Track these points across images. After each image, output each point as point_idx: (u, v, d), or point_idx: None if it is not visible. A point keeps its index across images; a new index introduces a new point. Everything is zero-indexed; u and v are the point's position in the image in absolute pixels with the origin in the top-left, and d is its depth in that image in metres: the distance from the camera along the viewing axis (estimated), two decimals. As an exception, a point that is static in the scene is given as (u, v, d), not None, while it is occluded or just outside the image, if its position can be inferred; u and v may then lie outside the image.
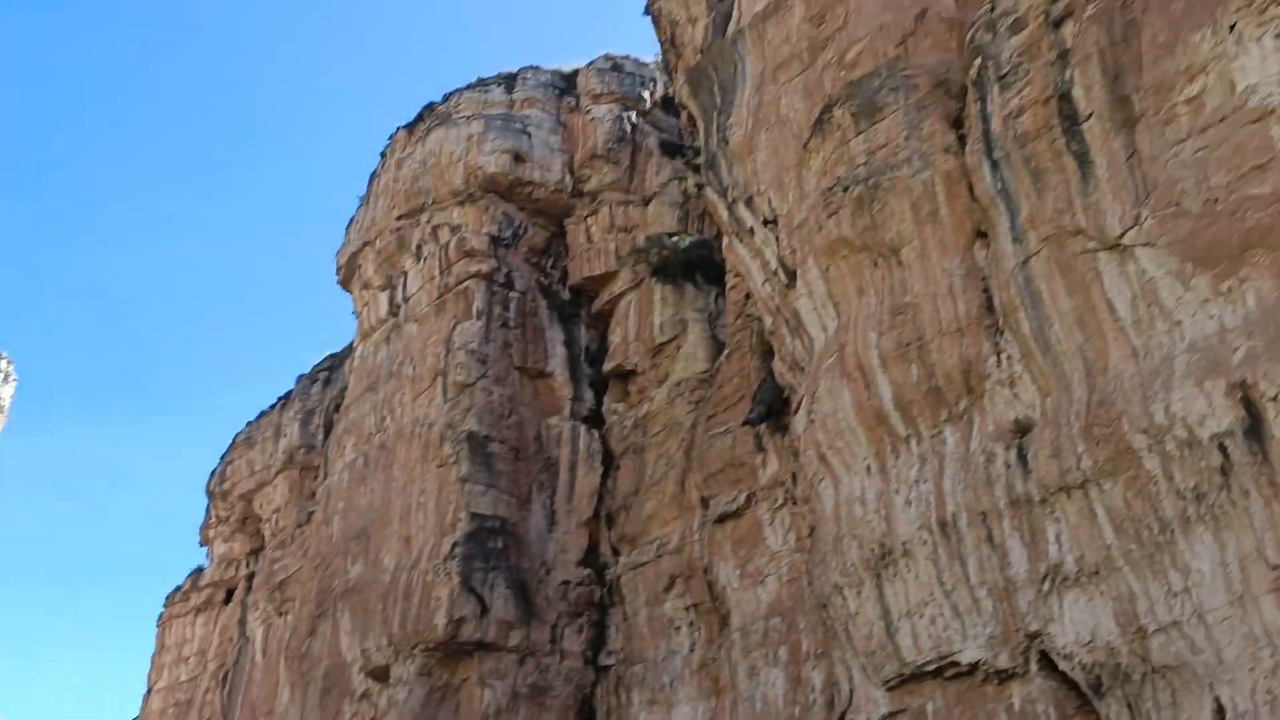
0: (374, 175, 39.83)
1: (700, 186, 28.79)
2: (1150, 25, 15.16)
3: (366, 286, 37.61)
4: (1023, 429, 16.40)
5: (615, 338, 32.48)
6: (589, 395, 32.54)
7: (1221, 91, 14.22)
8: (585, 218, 34.26)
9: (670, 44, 27.28)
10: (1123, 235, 15.04)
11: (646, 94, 36.62)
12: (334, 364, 45.13)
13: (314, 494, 39.64)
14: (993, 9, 17.79)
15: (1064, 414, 15.74)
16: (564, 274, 34.39)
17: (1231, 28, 14.14)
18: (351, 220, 40.50)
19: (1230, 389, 13.60)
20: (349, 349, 40.66)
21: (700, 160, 26.11)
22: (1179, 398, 14.12)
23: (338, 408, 39.71)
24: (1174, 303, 14.61)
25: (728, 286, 28.27)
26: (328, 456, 38.11)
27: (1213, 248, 14.10)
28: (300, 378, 47.14)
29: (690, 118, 27.06)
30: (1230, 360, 13.72)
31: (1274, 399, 13.15)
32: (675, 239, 32.39)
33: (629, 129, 35.07)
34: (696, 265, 31.14)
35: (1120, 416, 14.79)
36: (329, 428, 40.73)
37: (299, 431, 43.73)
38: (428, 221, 35.00)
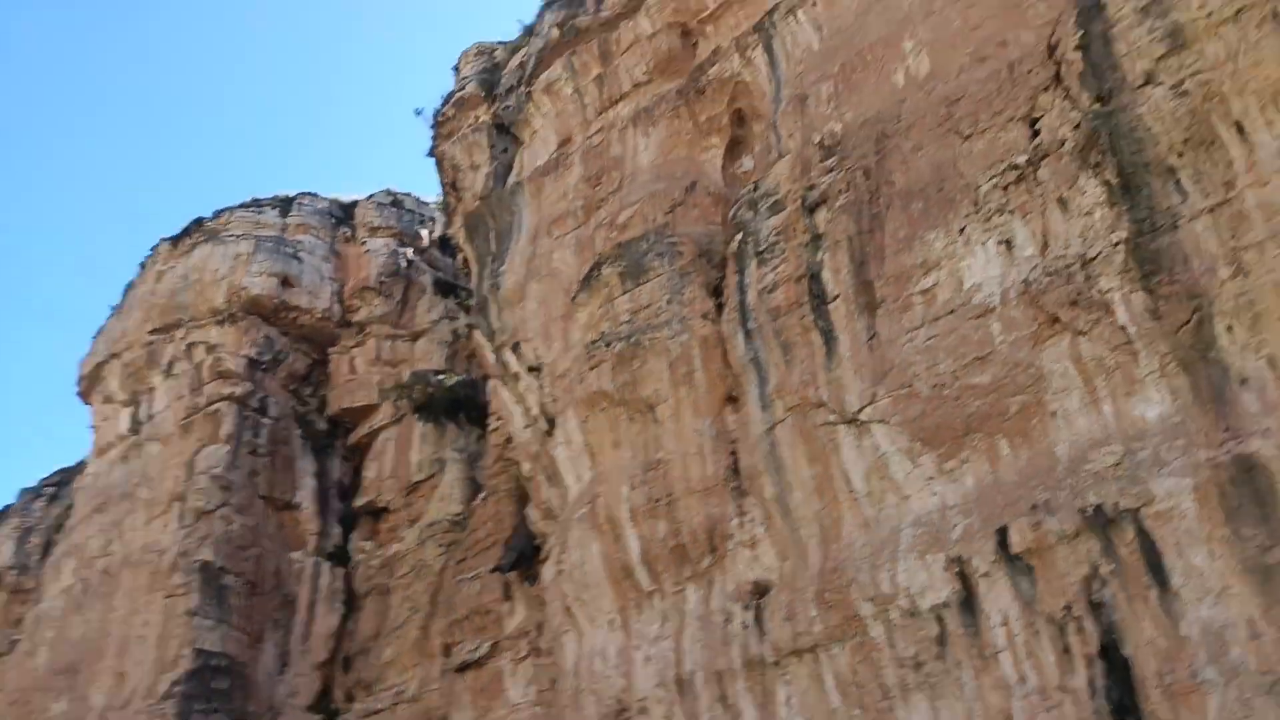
0: (130, 286, 38.00)
1: (470, 327, 28.90)
2: (893, 220, 16.50)
3: (108, 400, 35.46)
4: (761, 591, 16.87)
5: (370, 473, 31.67)
6: (337, 531, 31.38)
7: (951, 287, 15.53)
8: (351, 348, 33.65)
9: (452, 187, 27.63)
10: (860, 411, 15.99)
11: (425, 232, 36.75)
12: (63, 479, 41.93)
13: (21, 620, 36.26)
14: (755, 189, 18.99)
15: (800, 578, 16.31)
16: (323, 403, 33.43)
17: (961, 231, 15.57)
18: (100, 330, 38.37)
19: (949, 563, 14.48)
20: (81, 465, 38.01)
21: (472, 302, 26.31)
22: (904, 569, 14.91)
23: (60, 527, 36.81)
24: (903, 478, 15.53)
25: (489, 429, 28.16)
26: (42, 580, 35.04)
27: (939, 429, 15.17)
28: (23, 491, 43.55)
29: (466, 260, 27.35)
30: (949, 536, 14.64)
31: (985, 575, 14.08)
32: (441, 377, 32.18)
33: (404, 264, 34.97)
34: (460, 405, 30.94)
35: (851, 584, 15.45)
36: (49, 549, 37.61)
37: (12, 550, 40.12)
38: (183, 338, 33.52)
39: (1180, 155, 13.63)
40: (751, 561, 17.18)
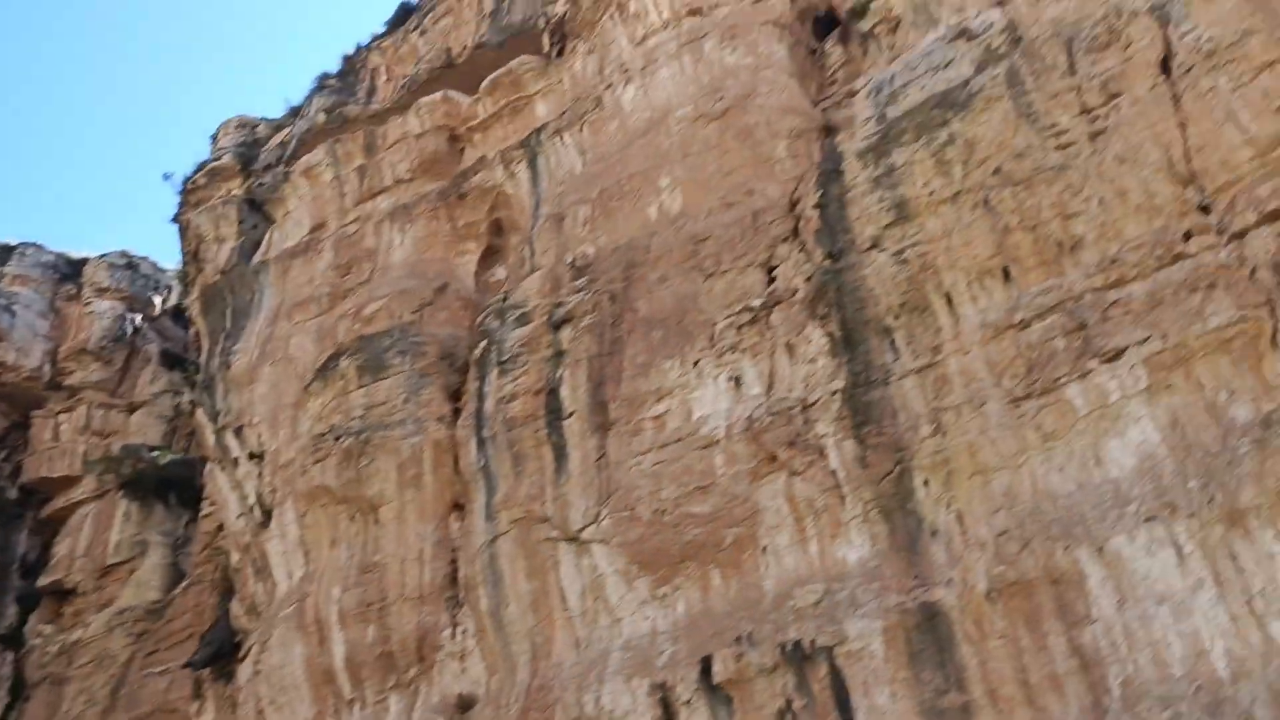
0: None
1: (193, 405, 27.47)
2: (633, 345, 16.94)
3: None
4: (466, 705, 16.50)
5: (61, 550, 29.17)
6: (13, 611, 28.61)
7: (681, 416, 16.01)
8: (58, 413, 31.23)
9: (193, 257, 26.48)
10: (583, 529, 16.10)
11: (159, 300, 34.92)
12: None
13: None
14: (505, 299, 19.14)
15: (506, 694, 16.05)
16: (17, 470, 30.77)
17: (696, 363, 16.15)
18: None
19: (653, 689, 14.58)
20: None
21: (199, 378, 25.09)
22: (609, 691, 14.91)
23: None
24: (618, 600, 15.66)
25: (201, 514, 26.67)
26: None
27: (656, 554, 15.43)
28: None
29: (198, 334, 26.12)
30: (656, 662, 14.79)
31: (687, 703, 14.26)
32: (155, 454, 30.28)
33: (130, 330, 33.04)
34: (173, 485, 29.13)
35: (555, 703, 15.31)
36: None
37: None
38: None
39: (897, 317, 14.73)
40: (459, 674, 16.81)
